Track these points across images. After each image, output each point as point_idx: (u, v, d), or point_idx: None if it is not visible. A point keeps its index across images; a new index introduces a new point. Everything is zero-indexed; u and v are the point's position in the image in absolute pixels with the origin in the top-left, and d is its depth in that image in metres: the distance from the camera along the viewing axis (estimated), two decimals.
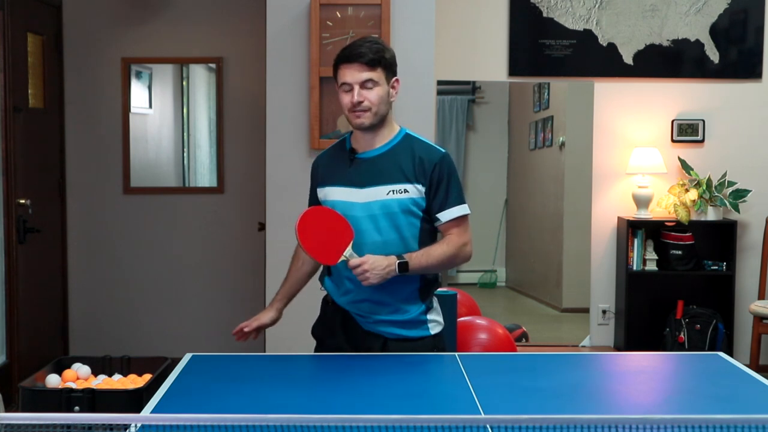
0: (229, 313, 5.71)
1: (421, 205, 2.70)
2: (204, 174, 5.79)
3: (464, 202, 2.75)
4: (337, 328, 2.78)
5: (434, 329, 2.79)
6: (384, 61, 2.68)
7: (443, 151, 2.76)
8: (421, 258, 2.66)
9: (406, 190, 2.68)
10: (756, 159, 5.71)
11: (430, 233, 2.77)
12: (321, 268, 2.88)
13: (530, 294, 6.51)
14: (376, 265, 2.59)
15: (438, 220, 2.73)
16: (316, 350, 2.86)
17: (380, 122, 2.71)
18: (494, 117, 6.55)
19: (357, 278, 2.61)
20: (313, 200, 2.85)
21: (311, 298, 2.92)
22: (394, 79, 2.73)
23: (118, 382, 3.86)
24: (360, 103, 2.65)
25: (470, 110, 6.43)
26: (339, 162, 2.76)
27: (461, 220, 2.74)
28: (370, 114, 2.66)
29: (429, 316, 2.79)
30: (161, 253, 5.71)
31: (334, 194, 2.73)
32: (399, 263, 2.61)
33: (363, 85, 2.65)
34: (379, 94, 2.67)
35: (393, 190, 2.67)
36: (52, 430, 1.60)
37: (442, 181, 2.70)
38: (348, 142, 2.79)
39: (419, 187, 2.69)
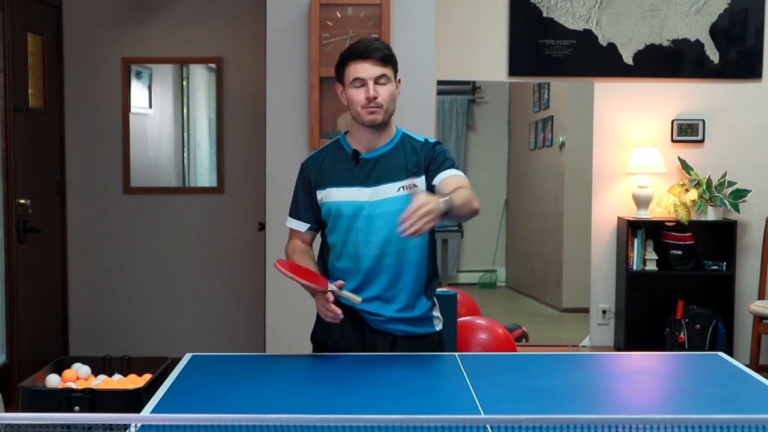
0: (229, 313, 5.72)
1: None
2: (204, 174, 5.79)
3: (460, 171, 2.71)
4: (343, 330, 2.76)
5: (438, 326, 2.84)
6: (393, 60, 2.73)
7: (436, 140, 2.80)
8: (454, 197, 2.49)
9: (414, 185, 2.69)
10: (756, 159, 5.71)
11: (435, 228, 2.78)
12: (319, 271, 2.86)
13: (530, 294, 6.52)
14: (432, 203, 2.35)
15: (434, 186, 2.66)
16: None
17: (388, 120, 2.73)
18: (494, 117, 6.56)
19: (415, 226, 2.32)
20: (305, 205, 2.78)
21: (312, 298, 2.91)
22: (398, 78, 2.75)
23: (118, 382, 3.86)
24: (375, 98, 2.66)
25: (470, 110, 6.43)
26: (340, 163, 2.75)
27: (465, 180, 2.67)
28: (382, 110, 2.68)
29: (434, 313, 2.82)
30: (161, 253, 5.71)
31: (339, 195, 2.72)
32: (443, 201, 2.42)
33: (377, 80, 2.67)
34: (390, 91, 2.69)
35: (403, 187, 2.68)
36: (52, 430, 1.60)
37: (437, 156, 2.71)
38: (345, 143, 2.78)
39: (422, 178, 2.71)
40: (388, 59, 2.68)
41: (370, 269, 2.70)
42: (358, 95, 2.67)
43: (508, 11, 5.62)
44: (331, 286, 2.63)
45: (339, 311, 2.61)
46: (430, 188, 2.70)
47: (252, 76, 5.54)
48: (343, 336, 2.76)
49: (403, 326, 2.75)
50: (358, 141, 2.76)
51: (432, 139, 2.80)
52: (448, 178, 2.67)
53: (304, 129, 4.35)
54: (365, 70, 2.66)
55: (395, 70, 2.73)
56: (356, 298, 2.67)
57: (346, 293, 2.66)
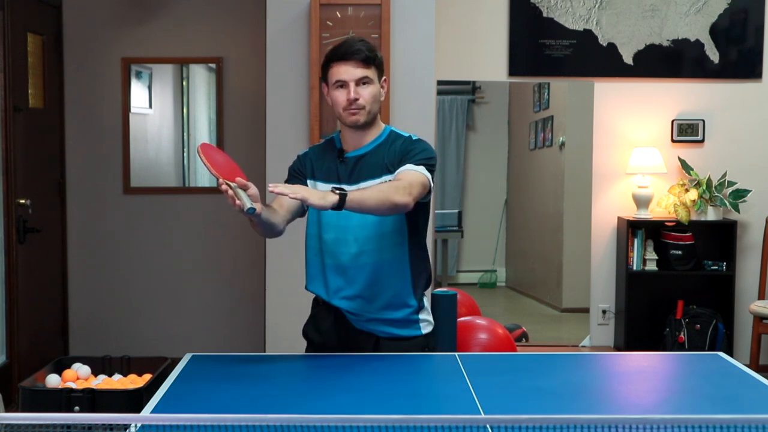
0: (229, 313, 5.72)
1: None
2: (204, 174, 5.79)
3: (426, 171, 2.64)
4: (328, 327, 2.78)
5: (425, 329, 2.80)
6: (377, 60, 2.71)
7: (418, 138, 2.75)
8: (356, 193, 2.48)
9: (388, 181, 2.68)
10: (756, 159, 5.71)
11: (417, 222, 2.75)
12: (305, 273, 2.82)
13: (530, 294, 6.52)
14: (302, 193, 2.44)
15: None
16: (306, 351, 2.86)
17: (372, 121, 2.73)
18: (494, 117, 6.55)
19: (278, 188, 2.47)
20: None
21: (312, 298, 2.91)
22: (383, 78, 2.75)
23: (118, 382, 3.86)
24: (356, 100, 2.66)
25: (470, 110, 6.43)
26: (328, 160, 2.77)
27: (415, 174, 2.60)
28: (364, 112, 2.68)
29: (420, 316, 2.79)
30: (161, 253, 5.71)
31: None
32: (340, 194, 2.41)
33: (358, 82, 2.67)
34: (373, 92, 2.69)
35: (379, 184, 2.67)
36: (52, 430, 1.60)
37: (410, 151, 2.66)
38: (338, 141, 2.80)
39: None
40: (370, 60, 2.67)
41: (349, 267, 2.70)
42: (340, 97, 2.68)
43: (508, 11, 5.62)
44: (234, 184, 2.64)
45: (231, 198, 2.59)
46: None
47: (252, 76, 5.54)
48: (328, 334, 2.78)
49: (384, 327, 2.74)
50: (346, 140, 2.78)
51: (415, 136, 2.76)
52: (401, 172, 2.60)
53: (304, 129, 4.35)
54: (347, 72, 2.66)
55: (379, 71, 2.71)
56: (247, 203, 2.59)
57: (242, 194, 2.61)
